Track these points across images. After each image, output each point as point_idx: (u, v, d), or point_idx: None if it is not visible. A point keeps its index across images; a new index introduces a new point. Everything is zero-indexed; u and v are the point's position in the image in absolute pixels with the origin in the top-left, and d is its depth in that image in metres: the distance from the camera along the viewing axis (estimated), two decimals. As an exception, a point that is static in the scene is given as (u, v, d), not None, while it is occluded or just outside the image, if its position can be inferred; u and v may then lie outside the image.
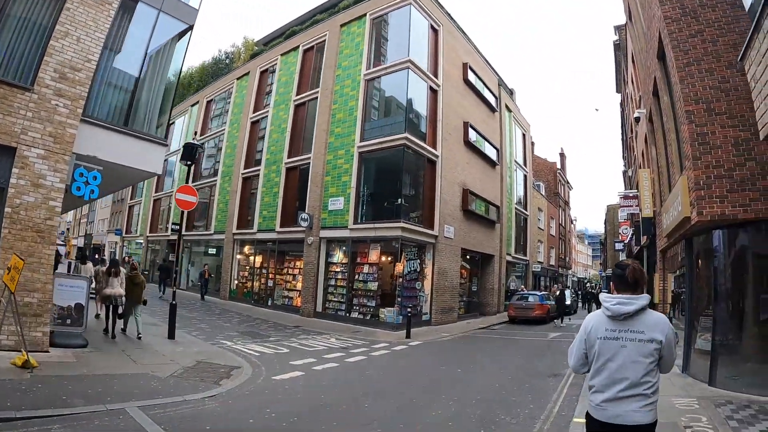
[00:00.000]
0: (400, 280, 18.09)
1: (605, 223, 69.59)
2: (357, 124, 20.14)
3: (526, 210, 33.73)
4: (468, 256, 23.56)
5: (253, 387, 7.81)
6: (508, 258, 28.91)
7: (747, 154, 7.20)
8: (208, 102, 32.12)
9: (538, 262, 37.08)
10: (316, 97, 22.23)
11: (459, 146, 22.60)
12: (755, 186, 7.08)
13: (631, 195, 20.52)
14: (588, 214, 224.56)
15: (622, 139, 32.61)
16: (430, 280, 19.73)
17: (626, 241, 32.06)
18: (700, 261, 9.26)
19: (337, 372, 9.47)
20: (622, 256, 44.32)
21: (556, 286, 32.85)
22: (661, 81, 10.25)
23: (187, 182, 14.82)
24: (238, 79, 29.09)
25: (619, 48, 25.50)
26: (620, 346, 2.80)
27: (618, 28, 25.06)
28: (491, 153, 26.10)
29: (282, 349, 11.45)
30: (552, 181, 47.84)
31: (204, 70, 39.50)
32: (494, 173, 26.54)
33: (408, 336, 15.44)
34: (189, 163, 13.73)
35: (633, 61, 17.88)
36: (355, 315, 18.82)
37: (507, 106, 31.22)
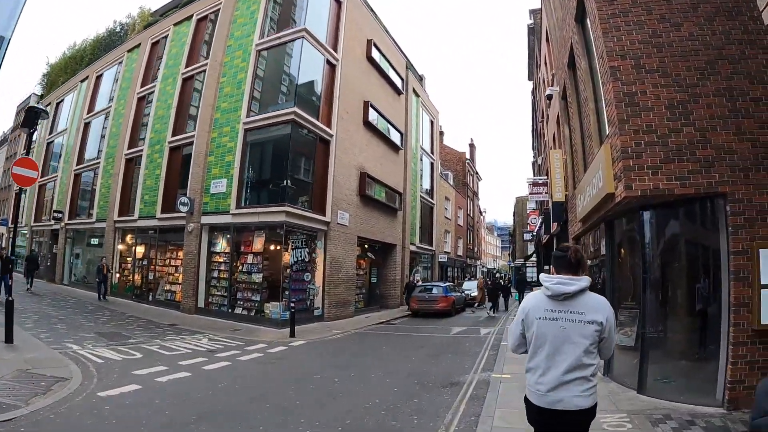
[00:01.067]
0: (288, 271, 16.31)
1: (514, 215, 71.41)
2: (244, 99, 17.97)
3: (432, 199, 32.81)
4: (366, 246, 22.02)
5: (66, 407, 6.05)
6: (412, 248, 27.75)
7: (684, 119, 6.02)
8: (98, 77, 28.32)
9: (445, 252, 36.43)
10: (205, 70, 19.77)
11: (358, 127, 20.93)
12: (694, 156, 5.91)
13: (540, 182, 19.91)
14: (498, 206, 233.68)
15: (533, 129, 32.58)
16: (322, 271, 17.97)
17: (535, 231, 32.04)
18: (623, 248, 8.12)
19: (180, 385, 7.61)
20: (531, 247, 45.16)
21: (482, 275, 32.26)
22: (578, 46, 9.03)
23: (27, 154, 12.33)
24: (128, 51, 25.62)
25: (533, 32, 24.96)
26: (559, 327, 2.75)
27: (533, 12, 24.52)
28: (394, 137, 24.70)
29: (135, 354, 9.73)
30: (461, 170, 47.62)
31: (98, 43, 35.53)
32: (397, 158, 25.16)
33: (292, 334, 13.74)
34: (31, 130, 11.17)
35: (547, 40, 17.01)
36: (239, 311, 16.85)
37: (415, 90, 30.04)
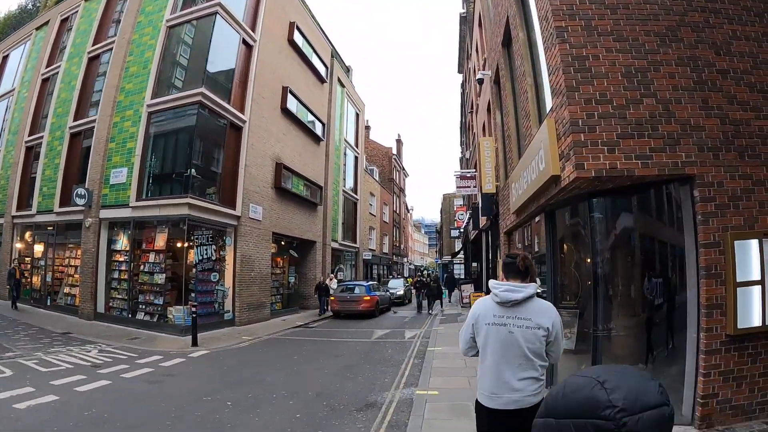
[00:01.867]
0: (193, 271, 14.57)
1: (441, 212, 71.52)
2: (150, 79, 15.91)
3: (356, 194, 31.51)
4: (283, 242, 20.31)
5: None
6: (335, 245, 26.30)
7: (644, 89, 4.98)
8: (4, 57, 24.56)
9: (370, 249, 35.24)
10: (112, 48, 17.41)
11: (275, 113, 19.21)
12: (657, 131, 4.88)
13: (468, 175, 19.09)
14: (425, 204, 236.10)
15: (461, 123, 31.97)
16: (232, 270, 16.16)
17: (462, 227, 31.57)
18: (565, 242, 7.08)
19: (39, 414, 6.19)
20: (458, 244, 45.00)
21: (421, 272, 31.11)
22: (516, 18, 7.94)
23: None
24: (37, 29, 22.27)
25: (465, 21, 24.13)
26: (508, 332, 2.81)
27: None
28: (316, 127, 23.11)
29: (5, 372, 8.27)
30: (387, 166, 46.65)
31: (8, 21, 31.96)
32: (318, 150, 23.59)
33: (194, 343, 12.12)
34: None
35: (480, 25, 16.06)
36: (140, 316, 14.95)
37: (340, 81, 28.63)
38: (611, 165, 4.79)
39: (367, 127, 47.57)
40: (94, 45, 18.38)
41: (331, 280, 20.76)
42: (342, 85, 29.25)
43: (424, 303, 22.15)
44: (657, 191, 5.41)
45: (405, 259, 57.47)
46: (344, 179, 29.13)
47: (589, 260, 5.84)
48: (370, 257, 33.25)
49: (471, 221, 20.29)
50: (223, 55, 16.69)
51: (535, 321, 2.79)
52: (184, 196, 14.18)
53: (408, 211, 73.61)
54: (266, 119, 18.38)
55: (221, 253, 15.93)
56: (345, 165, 29.53)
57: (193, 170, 14.79)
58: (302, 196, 20.80)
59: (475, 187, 18.29)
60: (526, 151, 7.31)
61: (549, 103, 5.98)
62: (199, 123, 15.07)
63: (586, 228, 6.02)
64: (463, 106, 29.87)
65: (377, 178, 41.31)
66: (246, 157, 16.83)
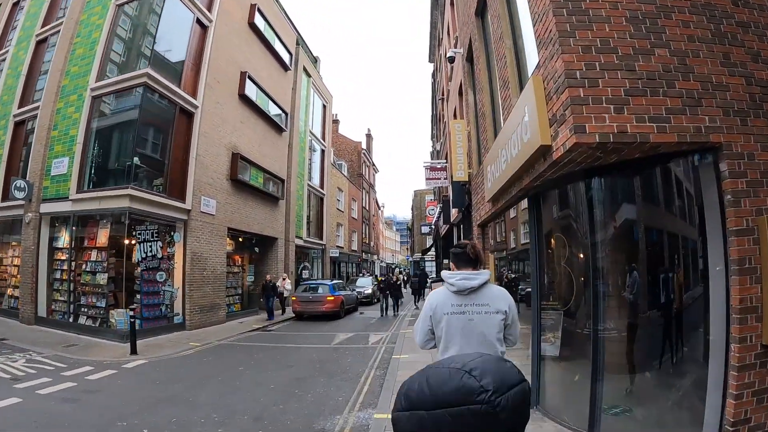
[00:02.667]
0: (138, 270, 13.32)
1: (412, 209, 70.74)
2: (96, 61, 14.41)
3: (322, 189, 30.16)
4: (241, 239, 18.90)
5: None
6: (299, 242, 24.94)
7: (655, 37, 3.95)
8: None
9: (337, 246, 33.95)
10: (60, 30, 15.85)
11: (231, 100, 17.80)
12: (673, 88, 3.84)
13: (438, 166, 18.04)
14: (397, 201, 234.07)
15: (432, 115, 30.91)
16: (182, 269, 14.75)
17: (433, 222, 30.50)
18: (553, 234, 5.91)
19: None
20: (429, 240, 44.07)
21: (392, 270, 29.75)
22: None
23: None
24: None
25: (437, 4, 23.01)
26: (468, 320, 2.85)
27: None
28: (278, 117, 21.72)
29: None
30: (356, 161, 45.35)
31: None
32: (280, 141, 22.19)
33: (133, 351, 10.83)
34: None
35: (452, 3, 15.00)
36: (83, 320, 13.47)
37: (306, 70, 27.25)
38: (620, 128, 3.72)
39: (336, 121, 46.26)
40: (42, 27, 16.82)
41: (284, 280, 19.02)
42: (308, 75, 27.89)
43: (390, 304, 20.29)
44: (665, 170, 4.37)
45: (375, 257, 56.28)
46: (310, 173, 27.78)
47: (583, 254, 4.79)
48: (337, 255, 31.95)
49: (441, 215, 19.22)
50: (174, 35, 15.40)
51: (493, 306, 2.85)
52: (125, 186, 12.92)
53: (379, 208, 72.53)
54: (222, 106, 16.98)
55: (169, 250, 14.50)
56: (311, 158, 28.20)
57: (136, 159, 13.43)
58: (262, 189, 19.42)
59: (445, 179, 17.27)
60: (504, 125, 6.24)
61: (533, 62, 4.90)
62: (144, 107, 13.79)
63: (580, 215, 4.95)
64: (434, 96, 28.86)
65: (345, 173, 40.02)
66: (198, 146, 15.45)
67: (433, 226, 39.92)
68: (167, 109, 14.69)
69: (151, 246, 13.73)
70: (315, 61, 31.67)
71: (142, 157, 13.74)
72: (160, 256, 14.02)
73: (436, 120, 27.40)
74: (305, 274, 25.64)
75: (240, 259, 19.11)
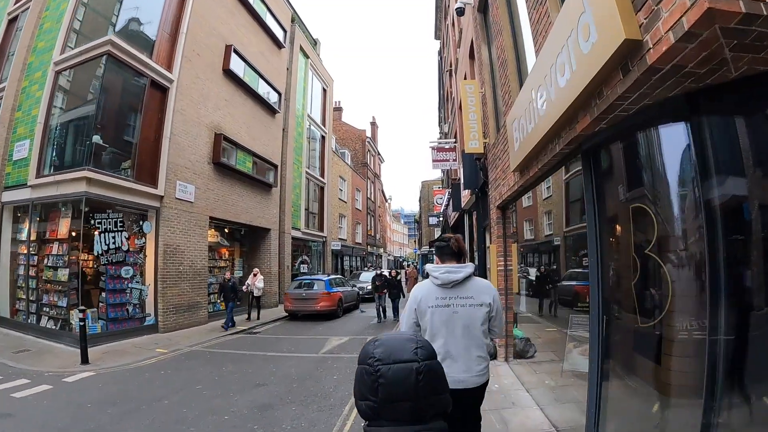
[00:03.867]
0: (100, 264, 11.63)
1: (420, 201, 68.72)
2: (61, 33, 12.83)
3: (323, 177, 28.25)
4: (227, 230, 17.04)
5: None
6: (296, 234, 23.05)
7: None
8: None
9: (340, 239, 32.05)
10: (30, 6, 14.35)
11: (215, 75, 15.92)
12: None
13: (447, 146, 16.08)
14: (404, 194, 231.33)
15: (440, 96, 28.74)
16: (153, 263, 12.96)
17: (441, 211, 28.37)
18: (627, 207, 3.76)
19: None
20: (438, 232, 41.94)
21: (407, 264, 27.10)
22: None
23: None
24: None
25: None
26: (452, 312, 2.85)
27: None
28: (271, 97, 19.81)
29: None
30: (360, 150, 43.35)
31: None
32: (273, 124, 20.27)
33: (84, 360, 9.21)
34: None
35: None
36: (44, 322, 11.99)
37: (303, 50, 25.30)
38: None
39: (339, 109, 44.37)
40: (15, 4, 15.28)
41: (255, 276, 15.55)
42: (306, 56, 25.95)
43: (389, 308, 16.53)
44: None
45: (381, 250, 54.37)
46: (308, 160, 25.89)
47: (690, 236, 2.81)
48: (339, 247, 30.00)
49: (451, 202, 17.23)
50: (146, 1, 13.60)
51: (477, 298, 2.88)
52: (81, 168, 11.19)
53: (386, 201, 70.68)
54: (202, 81, 15.13)
55: (137, 242, 12.69)
56: (309, 144, 26.31)
57: (97, 138, 11.67)
58: (251, 174, 17.52)
59: (454, 160, 15.29)
60: (539, 55, 4.24)
61: None
62: (107, 79, 12.12)
63: (682, 172, 2.95)
64: (440, 77, 26.79)
65: (349, 162, 38.08)
66: (173, 124, 13.63)
67: (441, 218, 37.84)
68: (136, 82, 12.93)
69: (114, 237, 11.93)
70: (314, 43, 29.74)
71: (106, 137, 11.97)
72: (126, 248, 12.22)
73: (443, 101, 25.36)
74: (304, 268, 23.77)
75: (228, 253, 17.25)
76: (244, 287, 15.46)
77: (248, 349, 10.68)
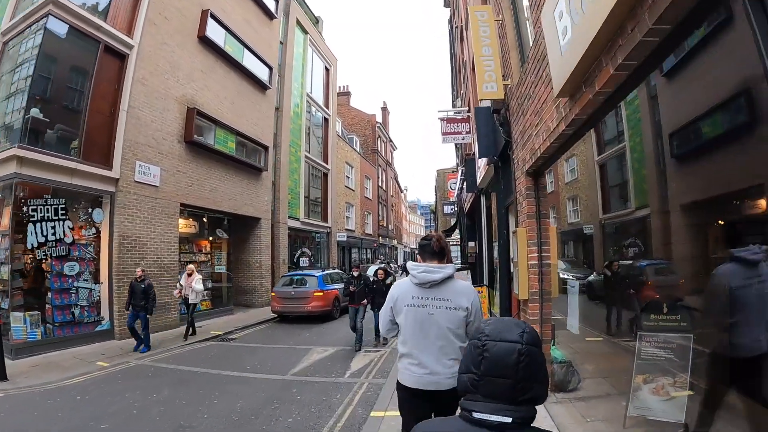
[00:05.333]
0: (39, 260, 9.86)
1: (435, 190, 66.14)
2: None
3: (326, 163, 26.04)
4: (205, 218, 14.94)
5: None
6: (294, 224, 20.90)
7: None
8: None
9: (347, 230, 29.84)
10: None
11: (187, 42, 13.80)
12: None
13: (458, 116, 13.79)
14: (423, 186, 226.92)
15: (452, 69, 26.19)
16: (107, 258, 10.96)
17: (455, 196, 25.67)
18: None
19: None
20: (453, 221, 39.26)
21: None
22: None
23: None
24: None
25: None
26: (427, 314, 2.77)
27: None
28: (259, 71, 17.62)
29: None
30: (370, 136, 40.99)
31: None
32: (263, 101, 18.08)
33: (2, 376, 7.50)
34: None
35: None
36: None
37: (300, 24, 23.07)
38: None
39: (347, 93, 42.21)
40: None
41: (190, 276, 11.32)
42: (304, 31, 23.71)
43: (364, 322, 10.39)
44: None
45: (395, 242, 52.04)
46: (309, 143, 23.71)
47: None
48: (344, 239, 27.75)
49: (465, 183, 14.85)
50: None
51: (454, 302, 2.77)
52: (11, 146, 9.25)
53: (402, 191, 68.39)
54: (171, 48, 13.03)
55: (85, 233, 10.67)
56: (310, 126, 24.13)
57: (35, 111, 9.75)
58: (234, 156, 15.37)
59: (468, 132, 12.97)
60: None
61: None
62: (48, 45, 10.27)
63: None
64: (452, 49, 24.29)
65: (358, 149, 35.78)
66: (132, 96, 11.59)
67: (454, 207, 35.30)
68: (85, 47, 10.91)
69: (54, 227, 9.92)
70: (316, 21, 27.52)
71: (48, 111, 10.01)
72: (70, 240, 10.21)
73: (455, 74, 22.91)
74: (304, 262, 21.64)
75: (208, 245, 15.17)
76: (176, 291, 11.54)
77: (204, 365, 8.52)
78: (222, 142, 14.79)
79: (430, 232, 2.98)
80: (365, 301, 10.33)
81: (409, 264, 2.97)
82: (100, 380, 7.56)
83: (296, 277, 14.48)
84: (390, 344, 10.07)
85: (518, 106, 5.47)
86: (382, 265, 15.94)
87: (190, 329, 11.45)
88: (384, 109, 46.98)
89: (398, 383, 2.90)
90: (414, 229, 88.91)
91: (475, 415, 1.22)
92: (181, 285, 11.47)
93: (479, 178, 10.59)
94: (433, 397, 2.73)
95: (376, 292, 10.35)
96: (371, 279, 11.07)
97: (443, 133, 13.20)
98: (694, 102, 2.69)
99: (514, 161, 5.88)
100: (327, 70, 27.51)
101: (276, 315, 14.17)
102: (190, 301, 11.29)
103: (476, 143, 7.53)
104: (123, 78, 11.62)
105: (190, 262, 12.97)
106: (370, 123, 41.33)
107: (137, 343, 9.87)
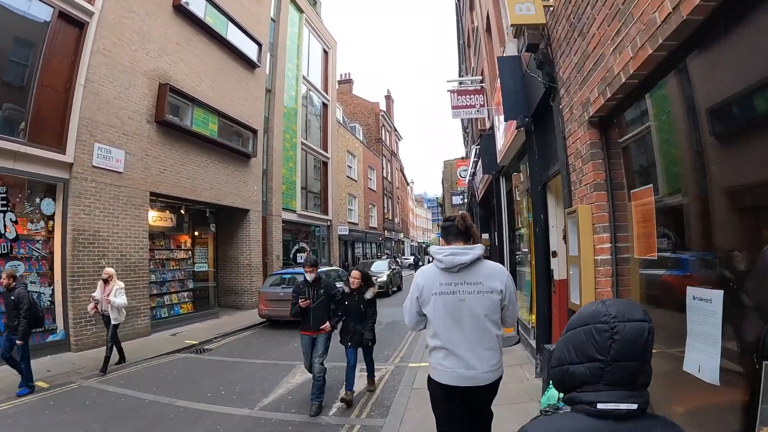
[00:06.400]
0: None
1: (442, 182, 64.16)
2: None
3: (325, 150, 24.31)
4: (183, 210, 13.26)
5: None
6: (290, 216, 19.20)
7: None
8: None
9: (350, 222, 28.12)
10: None
11: (159, 11, 12.10)
12: None
13: (471, 87, 12.15)
14: (429, 180, 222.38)
15: (459, 46, 24.34)
16: (60, 256, 9.34)
17: (465, 186, 23.47)
18: None
19: None
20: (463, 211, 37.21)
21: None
22: None
23: None
24: None
25: None
26: (458, 300, 2.52)
27: None
28: (247, 48, 15.88)
29: None
30: (374, 125, 39.18)
31: None
32: (252, 80, 16.34)
33: None
34: None
35: None
36: None
37: (294, 1, 21.27)
38: None
39: (349, 80, 40.56)
40: None
41: (106, 283, 8.16)
42: (299, 10, 21.96)
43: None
44: None
45: (402, 235, 50.25)
46: (306, 130, 22.01)
47: None
48: (346, 232, 26.01)
49: (479, 165, 13.04)
50: None
51: (487, 284, 2.53)
52: None
53: (408, 184, 66.67)
54: (140, 17, 11.35)
55: (31, 226, 9.05)
56: (307, 112, 22.43)
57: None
58: (215, 139, 13.65)
59: (482, 105, 11.26)
60: None
61: None
62: None
63: None
64: (459, 23, 22.44)
65: (361, 138, 33.99)
66: (90, 68, 9.92)
67: (465, 197, 33.44)
68: (35, 16, 9.26)
69: (-11, 221, 8.30)
70: (314, 2, 25.78)
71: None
72: (12, 235, 8.62)
73: (463, 51, 21.09)
74: (301, 258, 19.96)
75: (189, 241, 13.53)
76: (90, 306, 8.20)
77: (160, 389, 6.83)
78: (201, 123, 13.10)
79: (455, 212, 1.91)
80: (327, 325, 5.87)
81: (433, 248, 2.65)
82: (24, 410, 5.93)
83: (286, 276, 12.78)
84: (399, 352, 8.38)
85: (571, 29, 3.72)
86: (393, 256, 14.15)
87: (118, 356, 8.44)
88: (388, 98, 45.08)
89: (429, 378, 2.66)
90: (421, 222, 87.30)
91: (600, 406, 1.13)
92: (95, 298, 8.12)
93: (500, 153, 8.78)
94: (470, 394, 2.51)
95: (349, 312, 6.15)
96: (338, 288, 6.50)
97: (453, 107, 11.53)
98: None
99: (561, 113, 4.14)
100: (326, 53, 25.78)
101: (263, 319, 12.50)
102: (112, 321, 7.99)
103: (503, 90, 5.71)
104: (81, 49, 9.95)
105: (181, 260, 11.31)
106: (373, 111, 39.50)
107: (21, 381, 6.73)
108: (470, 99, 11.37)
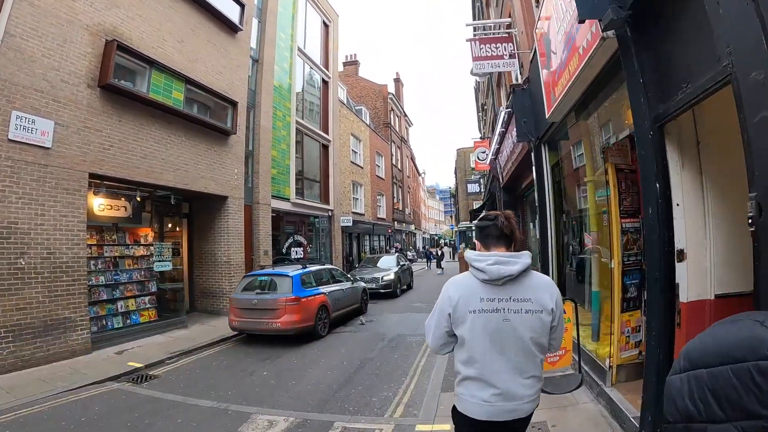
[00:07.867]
0: None
1: (455, 172, 61.62)
2: None
3: (326, 132, 21.94)
4: (139, 198, 10.94)
5: None
6: (282, 205, 16.88)
7: None
8: None
9: (354, 213, 25.77)
10: None
11: (109, -46, 9.80)
12: None
13: (498, 34, 10.00)
14: (441, 171, 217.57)
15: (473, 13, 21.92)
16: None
17: (487, 168, 20.27)
18: None
19: None
20: (477, 204, 34.78)
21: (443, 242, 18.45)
22: None
23: None
24: None
25: None
26: (503, 320, 1.99)
27: None
28: (225, 7, 13.50)
29: None
30: (382, 108, 36.63)
31: None
32: (232, 45, 13.96)
33: None
34: None
35: None
36: None
37: (286, -35, 18.86)
38: None
39: (355, 62, 38.31)
40: None
41: None
42: (293, -25, 19.56)
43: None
44: None
45: (413, 227, 47.80)
46: (301, 108, 19.71)
47: None
48: (350, 224, 23.60)
49: (509, 135, 10.56)
50: None
51: (536, 302, 2.01)
52: None
53: (420, 174, 64.28)
54: (79, -43, 9.04)
55: None
56: (303, 85, 20.12)
57: None
58: (180, 110, 11.30)
59: (512, 55, 8.95)
60: None
61: None
62: None
63: None
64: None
65: (367, 121, 31.54)
66: (11, 20, 7.82)
67: (481, 185, 30.98)
68: None
69: None
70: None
71: None
72: None
73: (480, 11, 18.58)
74: (298, 253, 17.70)
75: (151, 234, 11.30)
76: None
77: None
78: (162, 90, 10.78)
79: (493, 211, 1.58)
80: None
81: (469, 254, 2.06)
82: None
83: (262, 278, 10.40)
84: (412, 381, 6.12)
85: None
86: (401, 250, 11.86)
87: None
88: (397, 81, 42.43)
89: (457, 413, 2.12)
90: (433, 214, 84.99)
91: None
92: None
93: (552, 103, 6.07)
94: (507, 429, 2.03)
95: None
96: None
97: (475, 58, 9.29)
98: None
99: None
100: (326, 26, 23.39)
101: (234, 331, 10.20)
102: None
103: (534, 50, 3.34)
104: (-1, -4, 7.75)
105: (140, 257, 9.03)
106: (381, 94, 36.97)
107: None
108: (496, 48, 9.05)
